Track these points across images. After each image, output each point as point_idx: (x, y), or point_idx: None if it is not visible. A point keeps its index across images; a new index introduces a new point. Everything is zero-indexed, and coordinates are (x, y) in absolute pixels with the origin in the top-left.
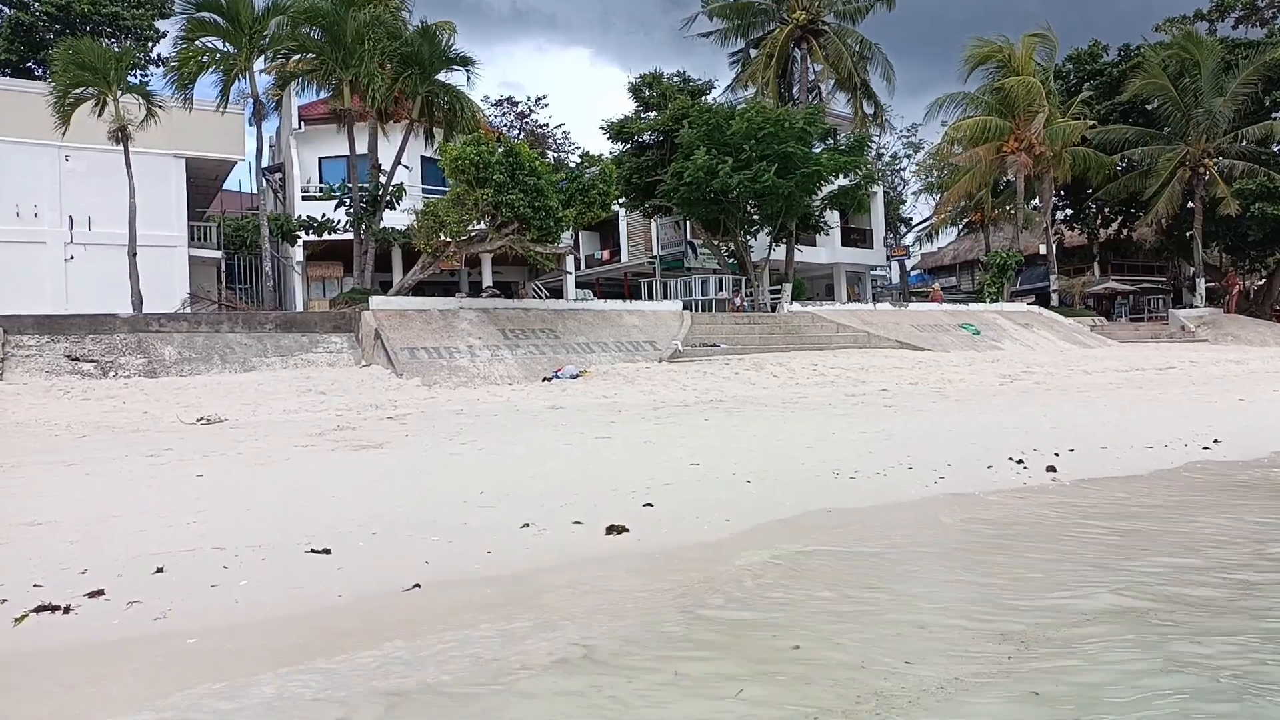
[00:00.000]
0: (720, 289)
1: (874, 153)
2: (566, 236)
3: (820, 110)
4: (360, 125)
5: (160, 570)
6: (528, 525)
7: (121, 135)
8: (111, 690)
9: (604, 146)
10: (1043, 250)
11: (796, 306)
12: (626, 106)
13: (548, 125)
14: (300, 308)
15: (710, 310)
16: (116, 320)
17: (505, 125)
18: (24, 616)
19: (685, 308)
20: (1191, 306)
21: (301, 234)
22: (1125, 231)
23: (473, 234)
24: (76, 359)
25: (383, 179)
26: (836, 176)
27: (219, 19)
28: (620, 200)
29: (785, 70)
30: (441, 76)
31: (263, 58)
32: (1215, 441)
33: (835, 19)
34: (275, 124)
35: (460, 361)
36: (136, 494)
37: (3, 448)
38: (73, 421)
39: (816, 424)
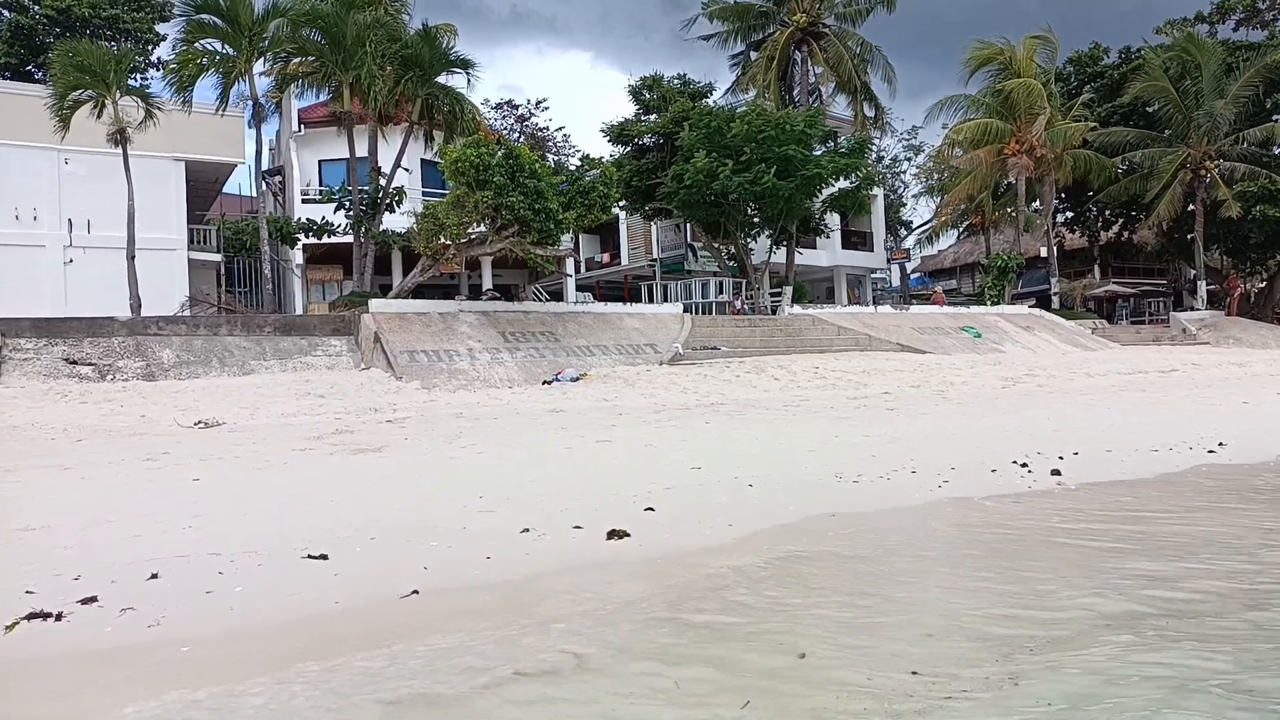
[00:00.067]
0: (721, 292)
1: (874, 155)
2: (566, 239)
3: (821, 113)
4: (360, 128)
5: (155, 576)
6: (527, 530)
7: (120, 138)
8: (103, 700)
9: (604, 149)
10: (1043, 253)
11: (797, 309)
12: (627, 109)
13: (548, 128)
14: (300, 311)
15: (711, 313)
16: (115, 323)
17: (505, 128)
18: (15, 624)
19: (686, 310)
20: (1192, 309)
21: (301, 237)
22: (1126, 234)
23: (473, 236)
24: (74, 362)
25: (382, 181)
26: (837, 179)
27: (218, 21)
28: (620, 203)
29: (786, 73)
30: (442, 79)
31: (262, 60)
32: (1220, 445)
33: (836, 21)
34: (275, 127)
35: (460, 364)
36: (132, 498)
37: None
38: (70, 425)
39: (818, 427)
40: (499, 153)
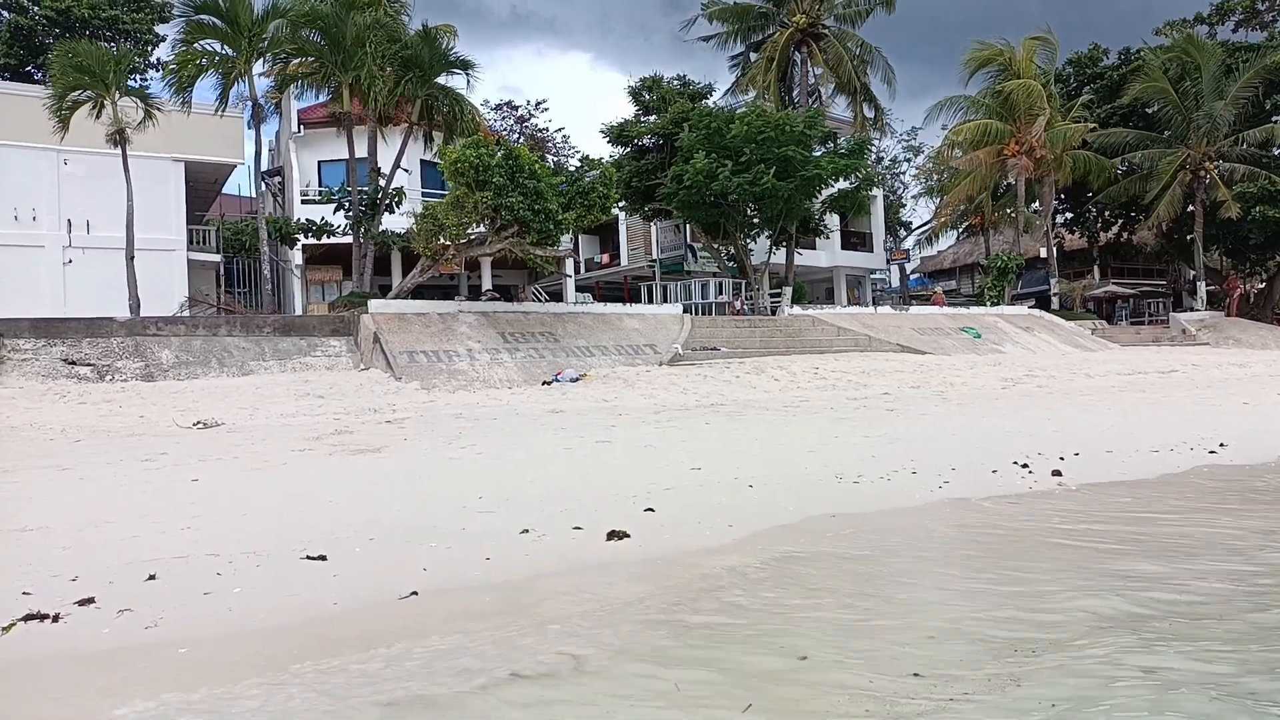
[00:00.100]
0: (720, 292)
1: (874, 156)
2: (566, 240)
3: (820, 114)
4: (359, 129)
5: (153, 577)
6: (527, 531)
7: (120, 138)
8: (98, 701)
9: (604, 150)
10: (1043, 253)
11: (797, 310)
12: (626, 110)
13: (547, 129)
14: (299, 311)
15: (710, 313)
16: (114, 324)
17: (505, 129)
18: (11, 625)
19: (685, 311)
20: (1192, 310)
21: (300, 237)
22: (1126, 235)
23: (472, 237)
24: (73, 362)
25: (382, 182)
26: (836, 180)
27: (218, 22)
28: (620, 204)
29: (785, 74)
30: (441, 80)
31: (262, 61)
32: (1221, 445)
33: (835, 22)
34: (274, 127)
35: (459, 365)
36: (131, 499)
37: None
38: (68, 425)
39: (818, 428)
40: (498, 153)
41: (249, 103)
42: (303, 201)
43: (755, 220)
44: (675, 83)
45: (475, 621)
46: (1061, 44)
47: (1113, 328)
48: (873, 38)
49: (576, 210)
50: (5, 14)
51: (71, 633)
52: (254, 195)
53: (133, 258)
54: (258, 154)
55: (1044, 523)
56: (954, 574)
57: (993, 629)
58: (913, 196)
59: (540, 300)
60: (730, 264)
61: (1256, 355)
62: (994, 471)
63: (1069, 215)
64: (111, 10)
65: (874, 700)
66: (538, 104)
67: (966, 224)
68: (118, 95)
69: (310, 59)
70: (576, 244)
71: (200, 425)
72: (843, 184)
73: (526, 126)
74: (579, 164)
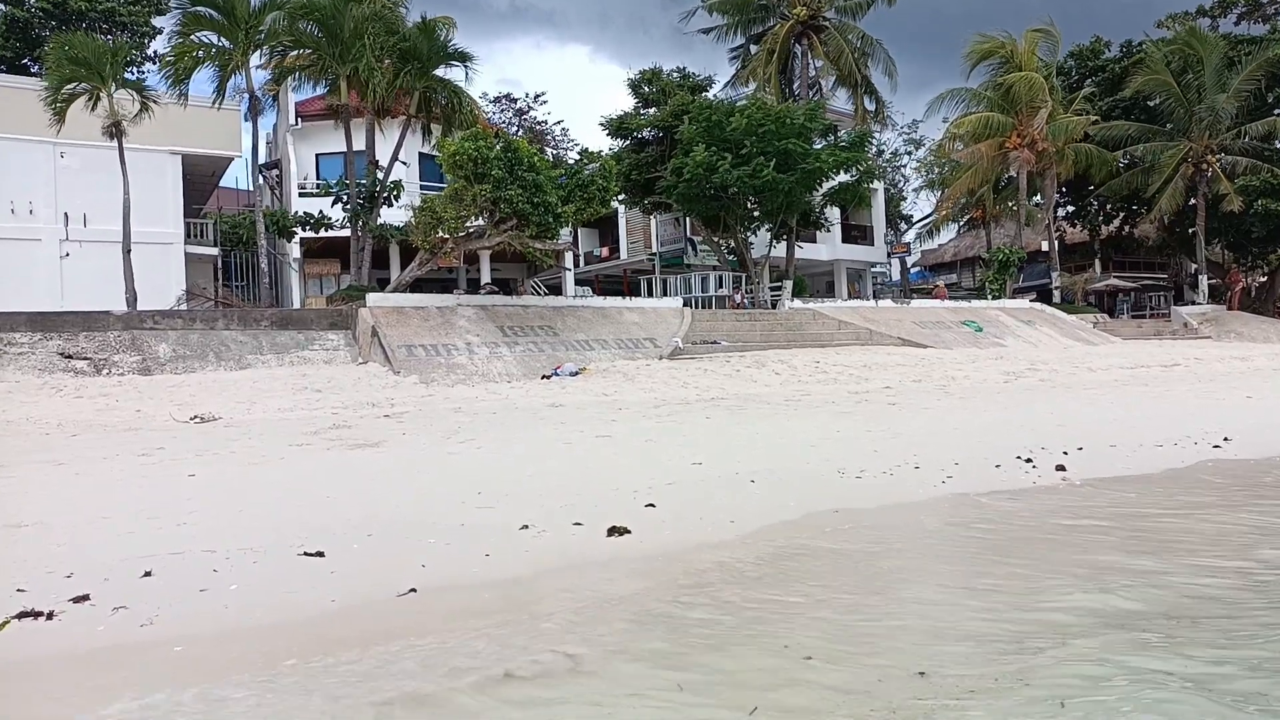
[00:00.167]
0: (720, 286)
1: (875, 149)
2: (565, 233)
3: (821, 106)
4: (357, 121)
5: (148, 574)
6: (527, 527)
7: (116, 131)
8: (92, 701)
9: (603, 143)
10: (1044, 247)
11: (798, 303)
12: (626, 103)
13: (546, 122)
14: (297, 305)
15: (710, 307)
16: (110, 317)
17: (504, 122)
18: (5, 623)
19: (685, 305)
20: (1194, 304)
21: (298, 230)
22: (1127, 228)
23: (471, 230)
24: (70, 356)
25: (380, 175)
26: (837, 173)
27: (214, 14)
28: (619, 197)
29: (786, 66)
30: (440, 72)
31: (259, 53)
32: (1225, 440)
33: (836, 14)
34: (272, 120)
35: (458, 359)
36: (127, 494)
37: None
38: (64, 420)
39: (820, 422)
40: (497, 146)
41: (246, 95)
42: (300, 194)
43: (755, 213)
44: (675, 75)
45: (475, 619)
46: (1063, 36)
47: (1114, 321)
48: (874, 30)
49: (576, 203)
50: (1, 6)
51: (66, 630)
52: (251, 188)
53: (129, 251)
54: (255, 147)
55: (1048, 518)
56: (958, 571)
57: (999, 627)
58: (914, 189)
59: (539, 294)
60: (730, 257)
61: (1259, 349)
62: (997, 466)
63: (1070, 208)
64: (108, 2)
65: (879, 699)
66: (536, 97)
67: (968, 217)
68: (114, 87)
69: (308, 51)
70: (576, 237)
71: (197, 420)
72: (843, 177)
73: (525, 119)
74: (578, 157)
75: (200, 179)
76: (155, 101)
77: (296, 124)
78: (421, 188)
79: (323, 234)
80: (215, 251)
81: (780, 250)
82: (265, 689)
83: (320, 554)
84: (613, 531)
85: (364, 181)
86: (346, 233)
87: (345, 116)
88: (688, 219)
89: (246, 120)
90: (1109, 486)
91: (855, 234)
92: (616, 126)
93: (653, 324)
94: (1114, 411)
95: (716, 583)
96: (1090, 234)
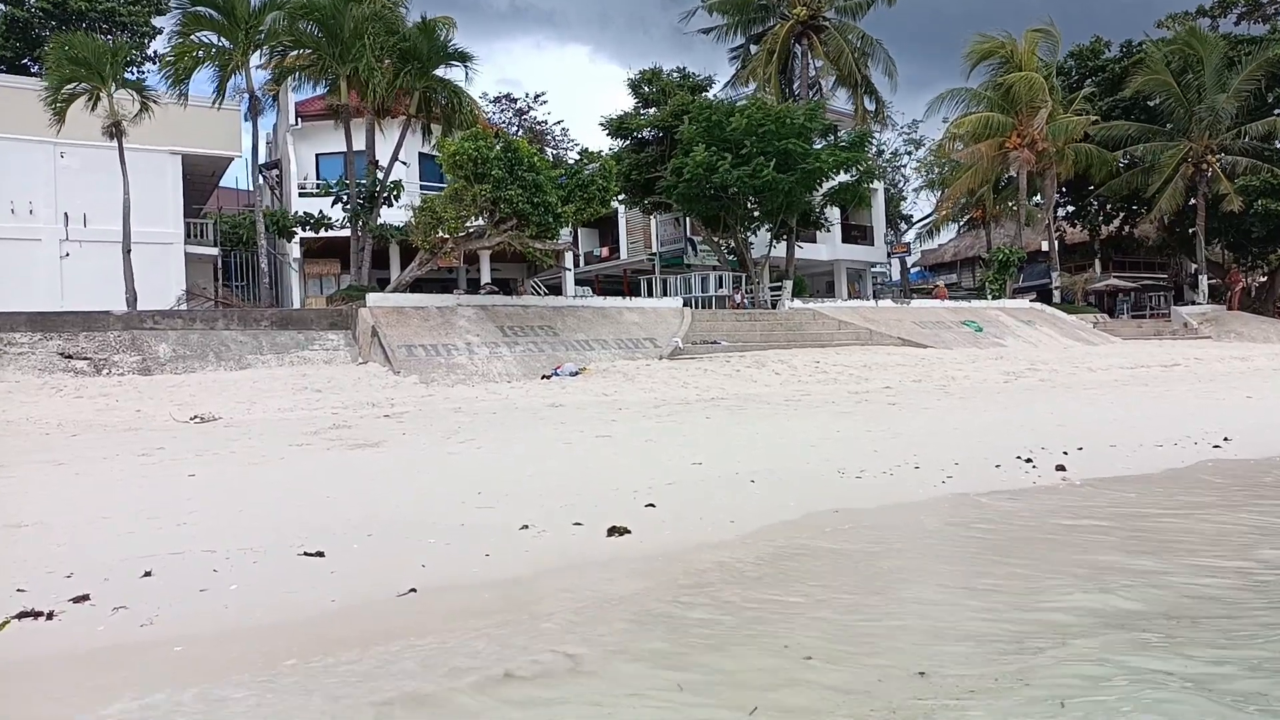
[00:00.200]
0: (720, 286)
1: (875, 149)
2: (565, 233)
3: (821, 106)
4: (357, 121)
5: (148, 574)
6: (527, 527)
7: (116, 131)
8: (91, 701)
9: (603, 143)
10: (1044, 247)
11: (798, 303)
12: (626, 103)
13: (546, 122)
14: (297, 305)
15: (710, 307)
16: (110, 317)
17: (504, 122)
18: (5, 623)
19: (685, 305)
20: (1194, 304)
21: (298, 230)
22: (1127, 228)
23: (471, 230)
24: (70, 356)
25: (380, 175)
26: (837, 173)
27: (214, 13)
28: (619, 197)
29: (786, 66)
30: (440, 72)
31: (259, 53)
32: (1226, 440)
33: (836, 14)
34: (272, 120)
35: (458, 359)
36: (127, 494)
37: None
38: (64, 420)
39: (820, 422)
40: (497, 146)
41: (246, 95)
42: (300, 194)
43: (755, 213)
44: (675, 75)
45: (475, 619)
46: (1063, 36)
47: (1114, 321)
48: (874, 30)
49: (576, 203)
50: (1, 6)
51: (66, 630)
52: (251, 188)
53: (129, 251)
54: (255, 147)
55: (1048, 518)
56: (958, 571)
57: (999, 627)
58: (914, 189)
59: (539, 294)
60: (730, 257)
61: (1259, 349)
62: (997, 466)
63: (1070, 208)
64: (108, 2)
65: (880, 700)
66: (536, 97)
67: (967, 217)
68: (114, 87)
69: (308, 51)
70: (576, 237)
71: (197, 420)
72: (843, 177)
73: (525, 119)
74: (578, 157)
75: (200, 179)
76: (155, 101)
77: (296, 124)
78: (421, 188)
79: (323, 234)
80: (215, 251)
81: (780, 250)
82: (265, 689)
83: (320, 554)
84: (613, 531)
85: (364, 181)
86: (346, 233)
87: (345, 116)
88: (688, 219)
89: (246, 120)
90: (1109, 486)
91: (855, 234)
92: (616, 126)
93: (653, 324)
94: (1114, 411)
95: (716, 583)
96: (1090, 234)
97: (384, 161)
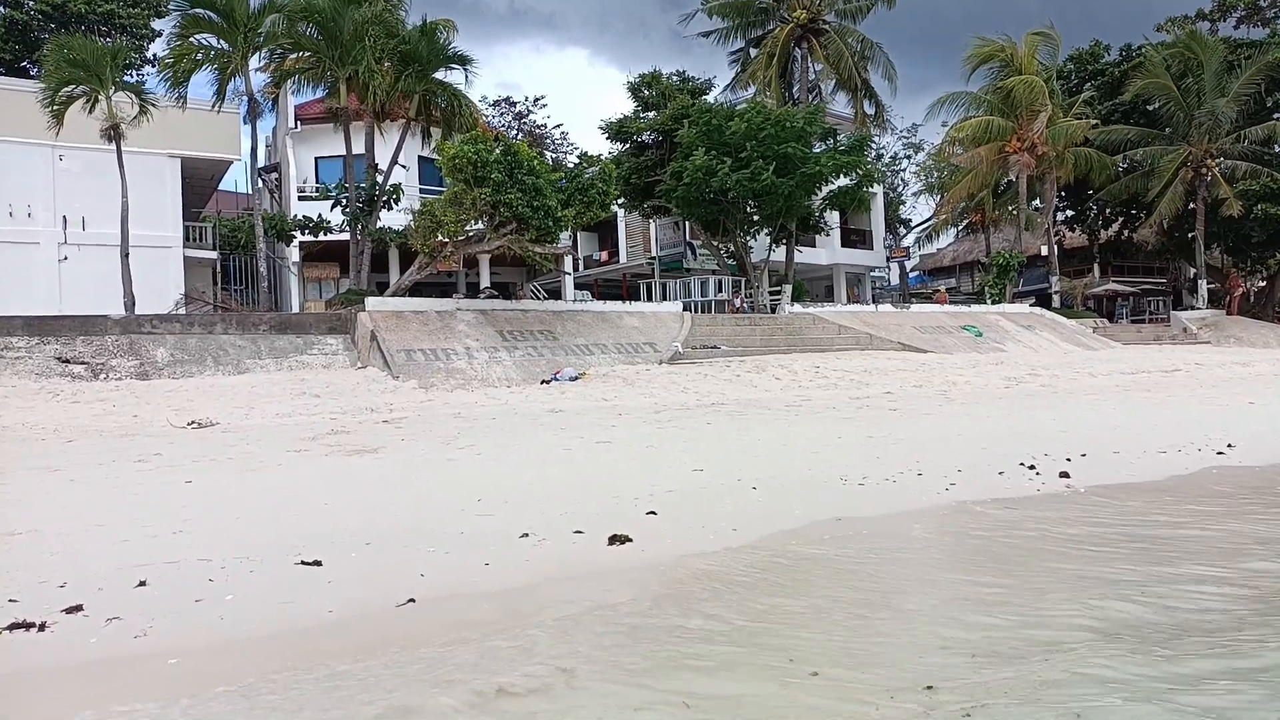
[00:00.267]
0: (720, 290)
1: (874, 153)
2: (565, 237)
3: (821, 110)
4: (357, 124)
5: (143, 584)
6: (527, 535)
7: (114, 134)
8: (83, 714)
9: (602, 147)
10: (1043, 251)
11: (797, 308)
12: (625, 106)
13: (545, 126)
14: (296, 309)
15: (710, 311)
16: (108, 321)
17: (503, 126)
18: None
19: (685, 309)
20: (1193, 308)
21: (297, 234)
22: (1126, 233)
23: (470, 234)
24: (67, 361)
25: (379, 179)
26: (836, 177)
27: (214, 16)
28: (619, 201)
29: (786, 70)
30: (439, 75)
31: (258, 56)
32: (1230, 446)
33: (836, 18)
34: (271, 123)
35: (457, 364)
36: (122, 502)
37: None
38: (61, 425)
39: (821, 428)
40: (497, 149)
41: (245, 98)
42: (300, 198)
43: (755, 217)
44: (675, 78)
45: (473, 630)
46: (1063, 40)
47: (1114, 326)
48: (873, 33)
49: (575, 207)
50: (1, 8)
51: (58, 642)
52: (250, 192)
53: (128, 254)
54: (254, 150)
55: (1054, 527)
56: (964, 581)
57: (1006, 638)
58: (913, 194)
59: (539, 298)
60: (730, 261)
61: (1259, 354)
62: (1000, 473)
63: (1070, 213)
64: (107, 5)
65: (888, 716)
66: (536, 100)
67: (967, 221)
68: (113, 90)
69: (307, 54)
70: (575, 241)
71: (195, 425)
72: (843, 181)
73: (525, 123)
74: (578, 160)
75: (199, 182)
76: (154, 104)
77: (296, 127)
78: (421, 191)
79: (322, 238)
80: (214, 255)
81: (780, 254)
82: (256, 704)
83: (318, 563)
84: (614, 540)
85: (363, 185)
86: (346, 236)
87: (345, 120)
88: (687, 223)
89: (245, 123)
90: (1114, 494)
91: (854, 238)
92: (616, 130)
93: (652, 328)
94: (1116, 417)
95: (719, 592)
96: (1089, 238)
97: (383, 165)
